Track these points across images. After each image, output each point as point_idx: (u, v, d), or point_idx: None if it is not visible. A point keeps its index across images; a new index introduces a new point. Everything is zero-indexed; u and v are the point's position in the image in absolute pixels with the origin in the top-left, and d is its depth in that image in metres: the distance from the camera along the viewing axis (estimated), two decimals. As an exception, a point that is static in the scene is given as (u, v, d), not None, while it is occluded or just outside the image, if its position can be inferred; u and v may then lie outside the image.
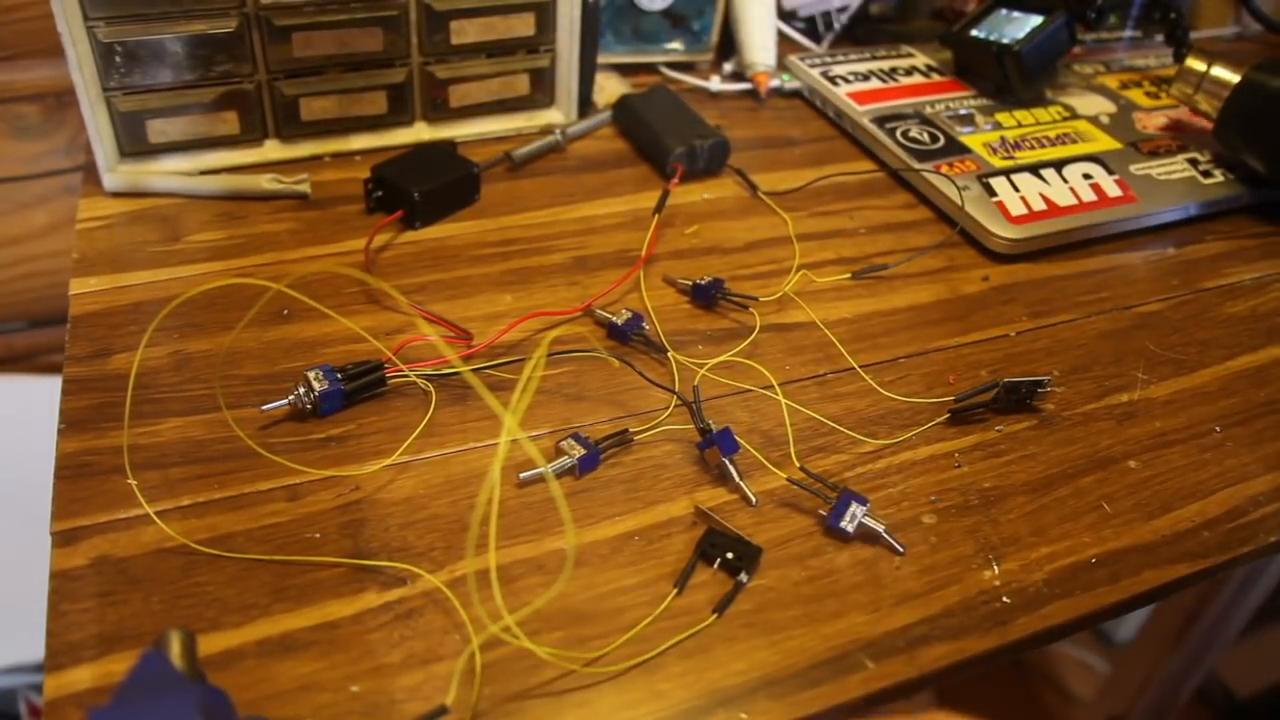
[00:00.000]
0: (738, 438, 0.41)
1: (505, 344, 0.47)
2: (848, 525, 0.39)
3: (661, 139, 0.60)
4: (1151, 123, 0.67)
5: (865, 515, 0.39)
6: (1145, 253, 0.58)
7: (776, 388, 0.45)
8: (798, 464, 0.42)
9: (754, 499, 0.40)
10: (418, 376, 0.44)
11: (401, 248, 0.53)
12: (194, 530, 0.37)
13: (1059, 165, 0.61)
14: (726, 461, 0.40)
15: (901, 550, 0.39)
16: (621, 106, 0.64)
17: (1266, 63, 0.59)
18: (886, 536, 0.39)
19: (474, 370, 0.45)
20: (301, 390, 0.41)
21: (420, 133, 0.61)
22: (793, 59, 0.72)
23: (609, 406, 0.44)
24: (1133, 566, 0.39)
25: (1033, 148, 0.63)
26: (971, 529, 0.40)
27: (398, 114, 0.60)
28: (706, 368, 0.46)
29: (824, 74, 0.70)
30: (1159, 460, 0.44)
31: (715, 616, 0.36)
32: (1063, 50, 0.67)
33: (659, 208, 0.55)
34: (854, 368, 0.48)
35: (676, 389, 0.45)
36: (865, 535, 0.39)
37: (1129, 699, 1.05)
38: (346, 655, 0.34)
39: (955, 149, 0.62)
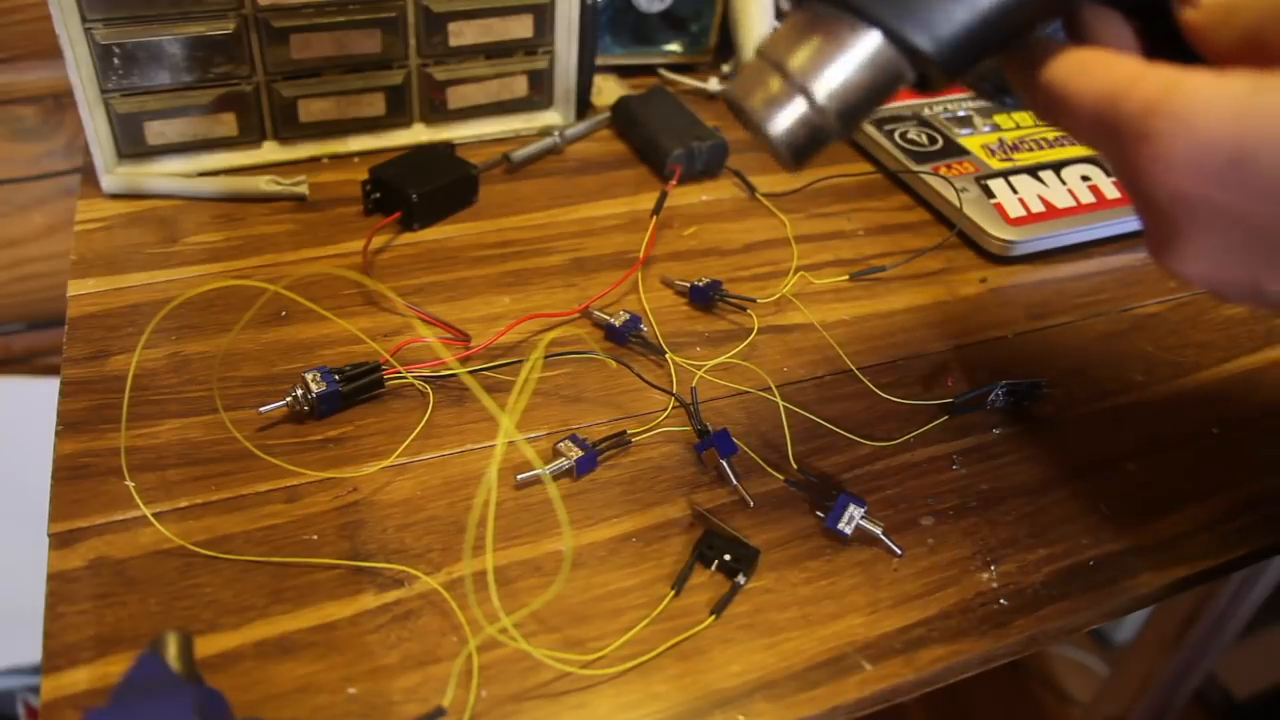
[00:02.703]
0: (735, 439, 0.41)
1: (503, 345, 0.47)
2: (845, 527, 0.39)
3: (660, 141, 0.60)
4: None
5: (863, 517, 0.39)
6: (1143, 254, 0.58)
7: (774, 389, 0.45)
8: (795, 466, 0.42)
9: (751, 501, 0.40)
10: (415, 378, 0.44)
11: (399, 249, 0.53)
12: (191, 532, 0.37)
13: (1057, 167, 0.61)
14: (724, 463, 0.40)
15: (899, 552, 0.39)
16: (620, 108, 0.64)
17: None
18: (884, 538, 0.39)
19: (471, 372, 0.45)
20: (299, 392, 0.41)
21: (418, 134, 0.61)
22: (791, 61, 0.72)
23: (607, 408, 0.44)
24: (1131, 569, 0.39)
25: (1031, 150, 0.63)
26: (969, 531, 0.40)
27: (396, 116, 0.60)
28: (704, 369, 0.46)
29: (822, 76, 0.70)
30: (1157, 462, 0.44)
31: (713, 618, 0.36)
32: (1061, 52, 0.67)
33: (657, 209, 0.55)
34: (852, 370, 0.48)
35: (674, 391, 0.45)
36: (863, 537, 0.39)
37: (1128, 701, 1.04)
38: (344, 657, 0.34)
39: (953, 151, 0.62)
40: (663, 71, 0.73)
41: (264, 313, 0.47)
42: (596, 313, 0.48)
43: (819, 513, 0.40)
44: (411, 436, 0.42)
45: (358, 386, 0.42)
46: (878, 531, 0.39)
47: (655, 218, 0.55)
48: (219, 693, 0.28)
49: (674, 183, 0.58)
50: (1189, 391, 0.48)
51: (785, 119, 0.30)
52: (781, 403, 0.44)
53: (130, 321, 0.46)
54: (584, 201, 0.58)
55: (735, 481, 0.40)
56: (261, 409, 0.41)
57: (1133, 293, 0.55)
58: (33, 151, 0.87)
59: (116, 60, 0.51)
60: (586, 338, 0.48)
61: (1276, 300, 0.28)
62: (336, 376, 0.42)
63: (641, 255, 0.52)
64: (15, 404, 0.90)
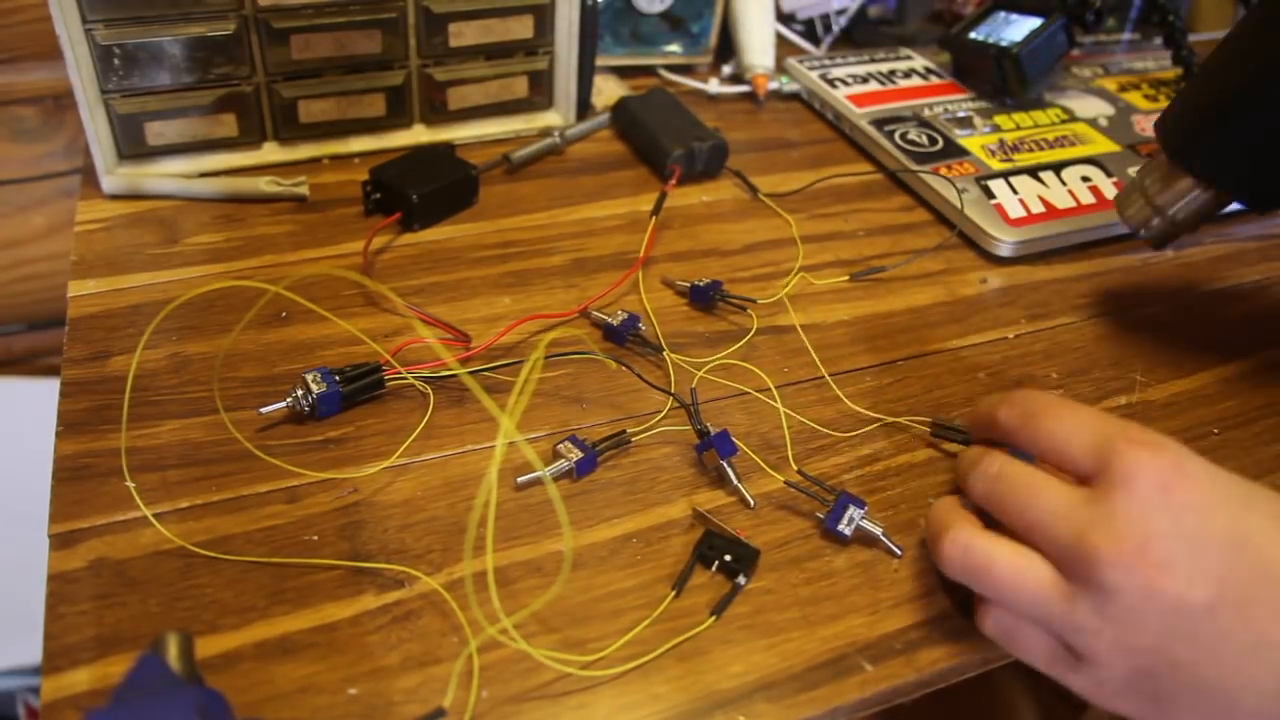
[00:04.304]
0: (735, 440, 0.41)
1: (503, 346, 0.47)
2: (845, 528, 0.39)
3: (660, 141, 0.60)
4: (1150, 125, 0.67)
5: (863, 518, 0.39)
6: (1143, 255, 0.58)
7: (774, 390, 0.45)
8: (795, 467, 0.42)
9: (752, 501, 0.40)
10: (416, 379, 0.44)
11: (400, 250, 0.53)
12: (192, 532, 0.37)
13: (1057, 168, 0.61)
14: (724, 464, 0.40)
15: (899, 553, 0.39)
16: (620, 109, 0.64)
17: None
18: (884, 539, 0.39)
19: (472, 372, 0.45)
20: (299, 392, 0.41)
21: (419, 135, 0.61)
22: (791, 61, 0.72)
23: (607, 409, 0.44)
24: (1130, 569, 0.39)
25: (1031, 150, 0.63)
26: (969, 531, 0.40)
27: (396, 116, 0.60)
28: (704, 370, 0.46)
29: (822, 76, 0.70)
30: (1157, 462, 0.44)
31: (713, 619, 0.36)
32: (1061, 53, 0.68)
33: (657, 210, 0.55)
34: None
35: (674, 391, 0.45)
36: (863, 538, 0.39)
37: (1128, 701, 1.04)
38: (344, 657, 0.34)
39: (954, 151, 0.62)
40: (663, 72, 0.73)
41: (264, 313, 0.47)
42: (595, 313, 0.48)
43: (819, 513, 0.40)
44: (412, 437, 0.42)
45: (358, 387, 0.42)
46: (878, 532, 0.39)
47: (655, 218, 0.55)
48: (219, 693, 0.28)
49: (674, 183, 0.58)
50: (1189, 392, 0.48)
51: (1146, 231, 0.50)
52: (781, 403, 0.44)
53: (130, 322, 0.46)
54: (584, 202, 0.58)
55: (735, 482, 0.40)
56: (262, 409, 0.41)
57: (1133, 293, 0.55)
58: (33, 152, 0.87)
59: (117, 61, 0.51)
60: (586, 338, 0.48)
61: None
62: (337, 377, 0.42)
63: (641, 255, 0.52)
64: (15, 404, 0.90)
